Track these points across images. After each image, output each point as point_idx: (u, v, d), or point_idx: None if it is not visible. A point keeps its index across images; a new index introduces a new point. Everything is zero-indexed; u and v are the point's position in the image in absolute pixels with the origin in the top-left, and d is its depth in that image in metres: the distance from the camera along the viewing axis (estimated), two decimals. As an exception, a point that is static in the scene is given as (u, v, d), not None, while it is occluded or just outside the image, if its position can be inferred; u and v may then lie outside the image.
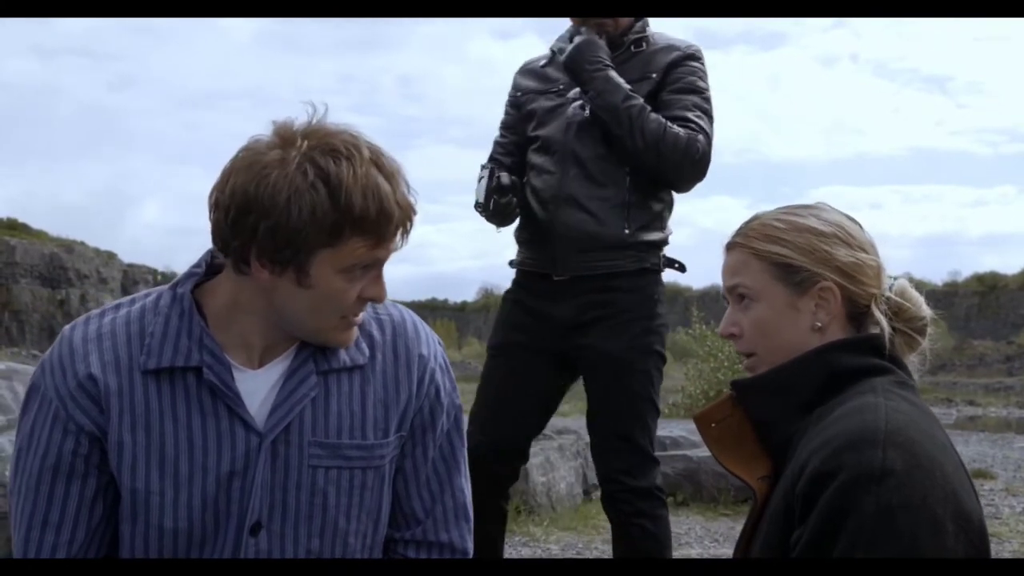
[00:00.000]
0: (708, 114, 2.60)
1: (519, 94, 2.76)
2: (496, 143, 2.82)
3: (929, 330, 1.43)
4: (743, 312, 1.43)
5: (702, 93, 2.62)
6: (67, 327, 1.39)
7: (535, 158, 2.69)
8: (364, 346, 1.42)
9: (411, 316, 1.50)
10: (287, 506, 1.35)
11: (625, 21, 2.70)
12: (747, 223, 1.46)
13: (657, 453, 2.64)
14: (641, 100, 2.54)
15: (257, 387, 1.35)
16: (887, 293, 1.41)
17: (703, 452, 5.65)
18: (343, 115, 1.31)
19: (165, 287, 1.40)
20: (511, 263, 2.79)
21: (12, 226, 27.09)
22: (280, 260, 1.27)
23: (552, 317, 2.63)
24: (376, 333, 1.44)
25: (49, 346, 1.42)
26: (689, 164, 2.54)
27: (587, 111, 2.59)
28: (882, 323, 1.37)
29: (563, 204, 2.59)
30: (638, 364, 2.58)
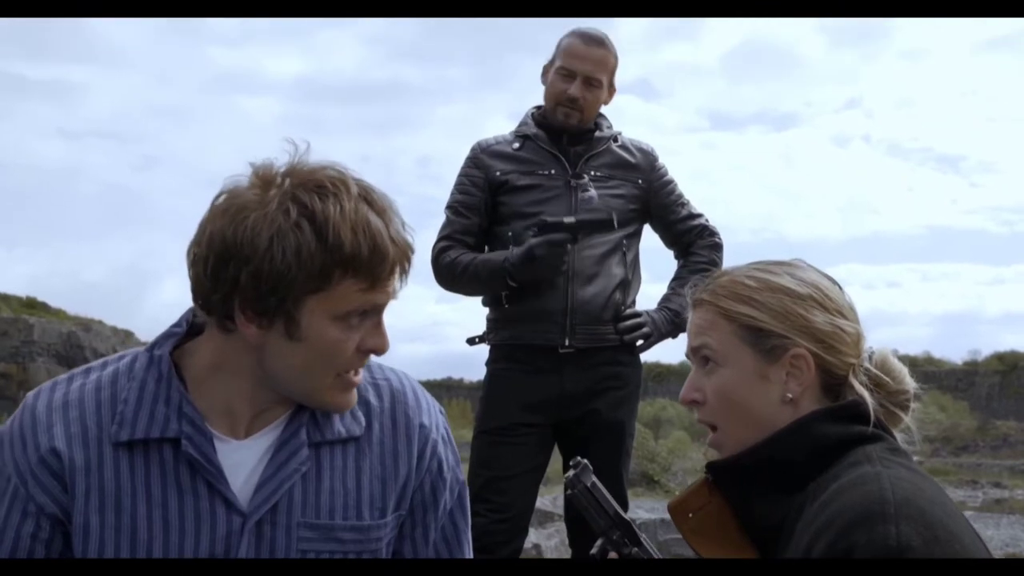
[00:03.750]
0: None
1: (498, 174, 2.79)
2: (456, 222, 2.81)
3: (913, 405, 1.29)
4: (707, 377, 1.28)
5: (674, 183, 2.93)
6: (31, 394, 1.25)
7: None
8: (360, 415, 1.29)
9: (411, 382, 1.38)
10: None
11: (593, 110, 2.81)
12: (716, 278, 1.32)
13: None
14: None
15: (242, 460, 1.23)
16: (866, 364, 1.27)
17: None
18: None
19: (141, 349, 1.28)
20: (475, 340, 2.80)
21: (31, 304, 27.29)
22: (266, 310, 1.15)
23: (562, 391, 2.68)
24: (373, 400, 1.31)
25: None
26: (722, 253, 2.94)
27: (590, 193, 2.74)
28: (863, 395, 1.24)
29: (578, 278, 2.68)
30: (631, 429, 2.79)
